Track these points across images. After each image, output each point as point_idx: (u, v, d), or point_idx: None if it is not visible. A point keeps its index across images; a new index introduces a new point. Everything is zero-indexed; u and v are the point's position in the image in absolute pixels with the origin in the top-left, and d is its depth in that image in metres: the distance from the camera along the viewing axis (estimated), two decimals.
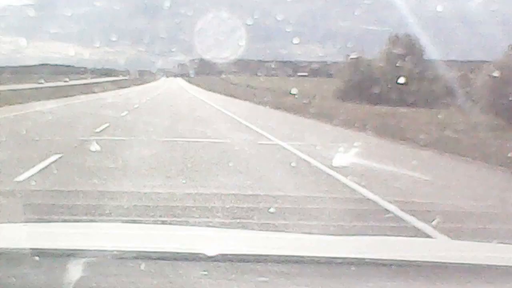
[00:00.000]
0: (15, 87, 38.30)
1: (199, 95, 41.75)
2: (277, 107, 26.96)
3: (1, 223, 2.52)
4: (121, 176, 7.57)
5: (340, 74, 33.82)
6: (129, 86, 55.07)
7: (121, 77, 65.08)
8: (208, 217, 5.43)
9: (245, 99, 34.89)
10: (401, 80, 24.54)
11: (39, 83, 49.36)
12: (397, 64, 27.66)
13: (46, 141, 11.73)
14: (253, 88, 42.10)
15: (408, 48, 30.11)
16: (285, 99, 28.47)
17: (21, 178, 7.17)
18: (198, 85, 54.98)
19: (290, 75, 43.58)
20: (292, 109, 24.49)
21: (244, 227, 4.89)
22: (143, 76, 72.22)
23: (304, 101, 26.45)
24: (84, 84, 50.57)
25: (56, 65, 68.39)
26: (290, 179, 7.88)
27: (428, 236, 4.81)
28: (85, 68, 66.81)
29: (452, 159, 10.90)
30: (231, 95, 39.09)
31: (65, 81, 55.93)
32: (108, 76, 63.97)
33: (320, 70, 44.05)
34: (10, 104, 24.66)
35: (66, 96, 33.83)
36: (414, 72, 27.46)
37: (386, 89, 26.49)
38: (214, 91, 45.12)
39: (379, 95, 26.04)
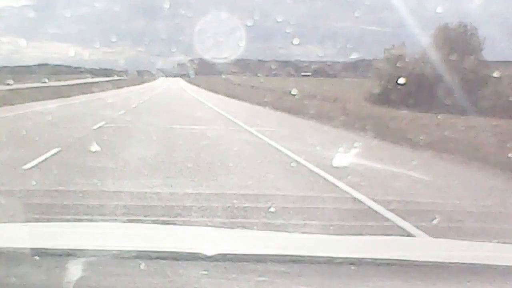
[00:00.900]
0: None
1: (199, 95, 39.89)
2: (310, 116, 19.63)
3: (1, 223, 2.52)
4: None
5: (376, 73, 27.10)
6: (126, 86, 53.74)
7: (116, 77, 63.99)
8: (208, 217, 5.43)
9: (254, 102, 29.38)
10: (462, 81, 20.06)
11: (7, 84, 40.59)
12: (453, 61, 22.32)
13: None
14: (258, 89, 37.93)
15: (463, 42, 24.65)
16: (305, 103, 22.55)
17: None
18: (198, 86, 54.41)
19: (292, 75, 42.93)
20: (328, 118, 17.91)
21: (244, 227, 4.89)
22: (143, 77, 72.17)
23: (329, 106, 20.91)
24: (74, 84, 44.94)
25: (56, 65, 68.07)
26: None
27: None
28: (84, 68, 66.42)
29: None
30: (236, 97, 35.05)
31: (43, 82, 47.52)
32: (107, 76, 63.53)
33: (320, 70, 43.91)
34: None
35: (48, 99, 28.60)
36: (475, 71, 22.32)
37: (440, 92, 20.56)
38: (216, 92, 42.75)
39: (431, 99, 20.03)
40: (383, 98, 23.81)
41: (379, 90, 25.29)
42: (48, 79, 50.96)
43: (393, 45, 27.17)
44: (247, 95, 34.05)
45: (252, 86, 40.70)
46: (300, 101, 23.78)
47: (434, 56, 24.03)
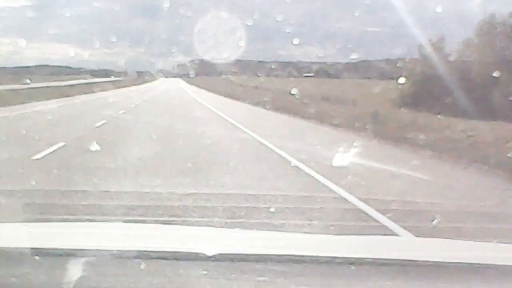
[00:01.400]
0: None
1: (200, 98, 37.03)
2: (344, 127, 15.25)
3: (1, 223, 2.52)
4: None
5: (407, 72, 22.61)
6: (124, 87, 52.93)
7: (113, 78, 63.30)
8: (208, 217, 5.43)
9: (262, 105, 24.62)
10: None
11: None
12: (505, 58, 19.09)
13: None
14: (262, 89, 34.64)
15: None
16: (325, 108, 19.61)
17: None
18: (198, 86, 54.05)
19: (293, 76, 42.54)
20: (367, 130, 13.82)
21: (244, 227, 4.90)
22: (143, 77, 72.15)
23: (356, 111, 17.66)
24: (64, 85, 42.65)
25: (56, 66, 67.92)
26: None
27: None
28: (84, 69, 66.26)
29: None
30: (240, 99, 31.26)
31: (26, 83, 41.89)
32: (106, 77, 63.28)
33: (321, 71, 43.79)
34: None
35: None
36: None
37: (496, 95, 16.95)
38: (218, 94, 40.47)
39: (482, 104, 15.92)
40: (416, 102, 19.79)
41: (411, 92, 21.53)
42: (30, 80, 48.03)
43: (429, 40, 23.08)
44: (252, 97, 29.89)
45: (256, 87, 39.00)
46: (316, 105, 20.31)
47: (481, 53, 20.63)
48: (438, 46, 23.01)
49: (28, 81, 43.71)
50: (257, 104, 25.84)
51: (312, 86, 30.48)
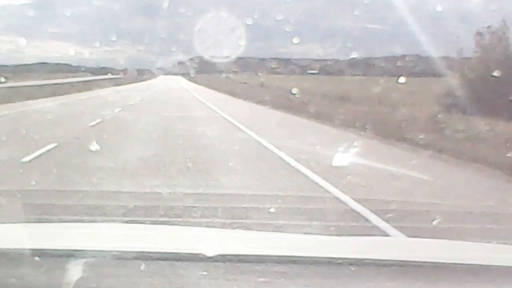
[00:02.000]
0: None
1: (200, 95, 35.73)
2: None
3: (1, 223, 2.52)
4: None
5: (460, 69, 17.83)
6: (127, 84, 52.48)
7: (110, 75, 62.71)
8: (208, 217, 5.43)
9: (283, 109, 21.22)
10: None
11: None
12: None
13: None
14: (265, 88, 32.39)
15: None
16: (351, 109, 16.84)
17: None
18: (199, 84, 53.84)
19: (294, 73, 42.10)
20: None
21: (244, 227, 4.89)
22: (143, 75, 72.34)
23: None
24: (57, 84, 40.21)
25: (56, 64, 67.79)
26: None
27: None
28: (84, 67, 66.15)
29: None
30: (241, 98, 29.06)
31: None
32: (105, 75, 63.08)
33: (322, 69, 43.49)
34: None
35: None
36: None
37: None
38: (219, 91, 39.41)
39: None
40: (473, 105, 15.23)
41: (465, 94, 16.84)
42: (5, 78, 46.76)
43: (488, 27, 17.80)
44: (262, 97, 25.74)
45: (262, 85, 36.67)
46: (339, 107, 17.21)
47: None
48: (500, 35, 17.73)
49: (3, 79, 41.75)
50: (259, 103, 23.82)
51: (319, 85, 28.34)
